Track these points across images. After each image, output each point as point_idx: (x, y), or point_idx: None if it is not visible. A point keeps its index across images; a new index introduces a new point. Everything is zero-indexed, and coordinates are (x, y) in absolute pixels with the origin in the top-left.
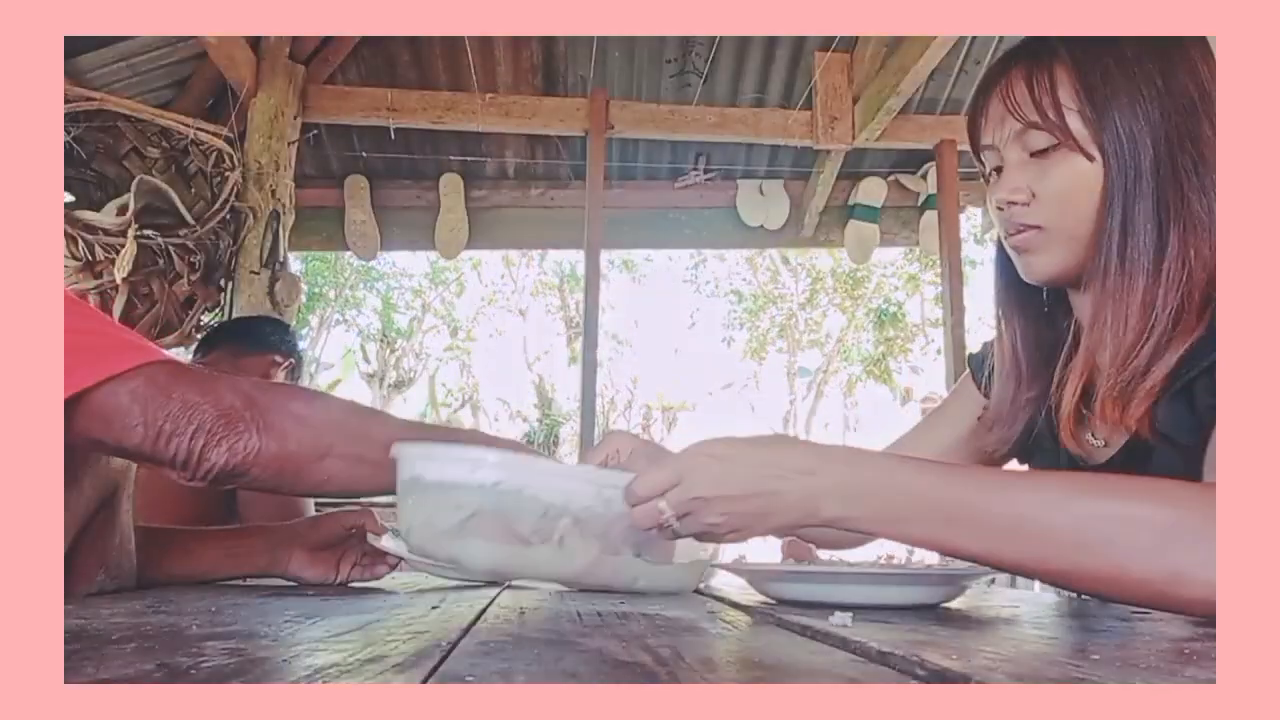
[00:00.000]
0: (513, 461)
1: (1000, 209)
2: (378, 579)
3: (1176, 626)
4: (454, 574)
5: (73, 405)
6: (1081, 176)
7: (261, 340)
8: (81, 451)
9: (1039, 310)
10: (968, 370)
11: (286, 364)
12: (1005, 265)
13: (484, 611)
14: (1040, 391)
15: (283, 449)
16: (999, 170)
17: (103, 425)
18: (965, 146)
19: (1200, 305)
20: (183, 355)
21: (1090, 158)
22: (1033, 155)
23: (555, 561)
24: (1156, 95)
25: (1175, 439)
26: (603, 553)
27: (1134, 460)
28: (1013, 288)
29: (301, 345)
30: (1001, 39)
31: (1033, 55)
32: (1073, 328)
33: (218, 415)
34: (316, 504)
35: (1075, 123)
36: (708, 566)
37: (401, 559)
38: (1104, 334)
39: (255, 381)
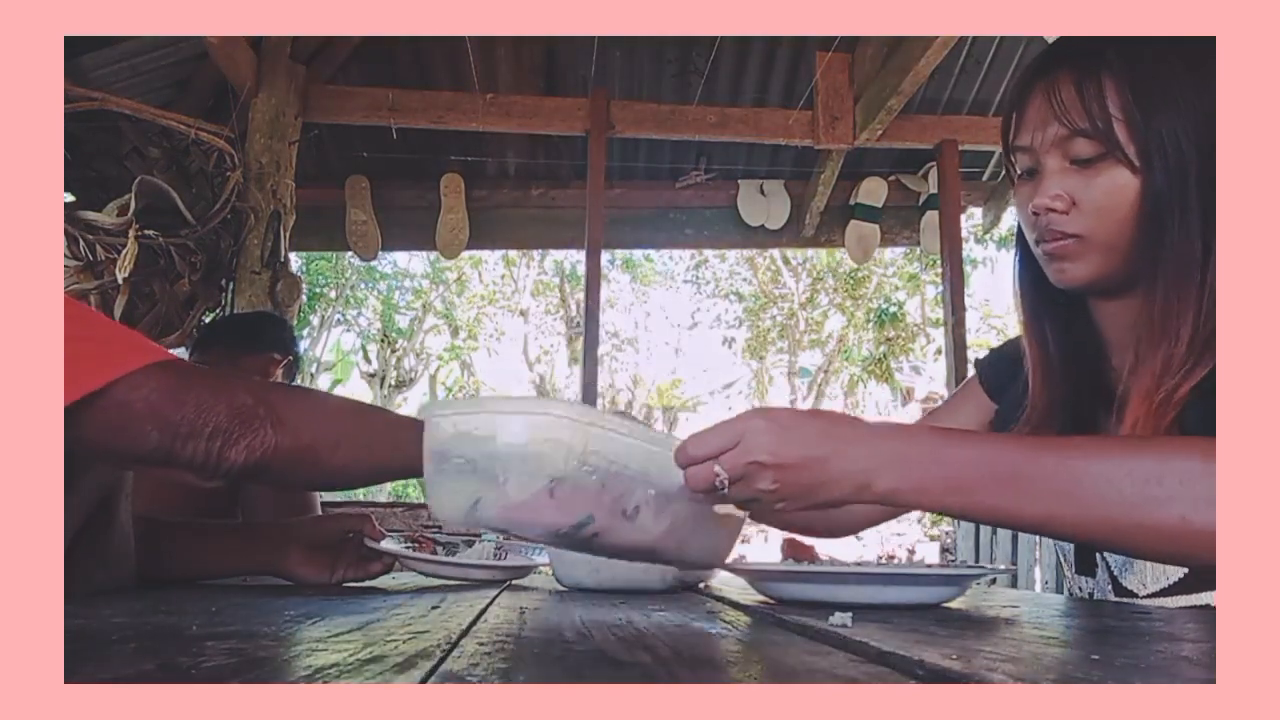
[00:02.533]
0: (586, 413)
1: (1036, 214)
2: (372, 578)
3: (1177, 626)
4: (450, 574)
5: (81, 414)
6: (1124, 188)
7: (260, 339)
8: (90, 460)
9: (1064, 310)
10: (974, 374)
11: (285, 361)
12: (1027, 268)
13: (484, 611)
14: (1070, 392)
15: (297, 442)
16: (1031, 172)
17: (114, 432)
18: (966, 146)
19: None
20: (181, 355)
21: (1135, 169)
22: (1074, 163)
23: (629, 529)
24: (1198, 104)
25: (1202, 434)
26: (672, 526)
27: None
28: (1040, 289)
29: (302, 344)
30: (1002, 39)
31: (1079, 60)
32: (1101, 335)
33: (233, 413)
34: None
35: (1122, 133)
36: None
37: (395, 560)
38: (1158, 346)
39: (262, 380)
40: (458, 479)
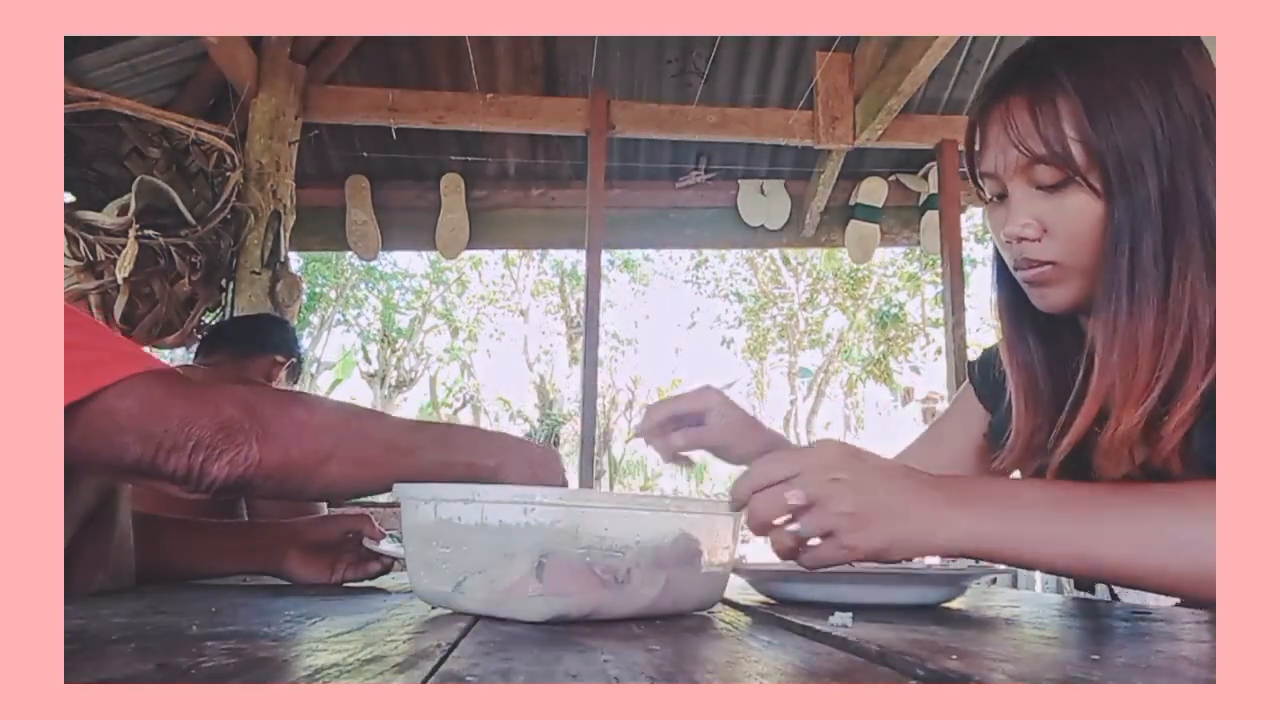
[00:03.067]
0: (569, 496)
1: (1009, 242)
2: (372, 578)
3: (1176, 627)
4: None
5: (66, 422)
6: (1092, 210)
7: (264, 341)
8: (74, 468)
9: (1049, 326)
10: (968, 381)
11: (289, 363)
12: (1005, 288)
13: None
14: (1059, 408)
15: (285, 457)
16: (1000, 197)
17: (98, 442)
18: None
19: (1212, 335)
20: (184, 356)
21: (1098, 192)
22: (1039, 189)
23: (621, 601)
24: (1159, 122)
25: (1209, 460)
26: (666, 584)
27: (1150, 480)
28: (1022, 308)
29: (303, 345)
30: (1002, 39)
31: (1033, 83)
32: (1086, 355)
33: (217, 427)
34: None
35: (1081, 155)
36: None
37: (395, 560)
38: (1114, 375)
39: (252, 390)
40: (440, 564)
